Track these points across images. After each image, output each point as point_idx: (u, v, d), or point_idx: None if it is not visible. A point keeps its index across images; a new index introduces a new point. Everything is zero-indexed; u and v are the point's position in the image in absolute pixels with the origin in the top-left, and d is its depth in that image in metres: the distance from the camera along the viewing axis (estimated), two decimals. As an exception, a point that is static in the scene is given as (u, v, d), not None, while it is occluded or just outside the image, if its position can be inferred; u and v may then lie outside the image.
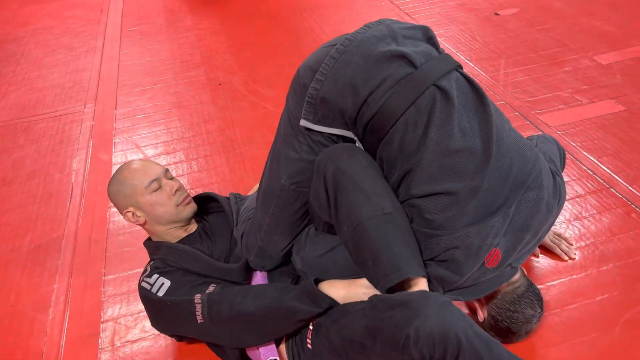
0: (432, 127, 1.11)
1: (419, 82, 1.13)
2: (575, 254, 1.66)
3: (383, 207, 1.12)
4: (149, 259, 1.52)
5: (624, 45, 2.82)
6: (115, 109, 2.77)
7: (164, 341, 1.55)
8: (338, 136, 1.22)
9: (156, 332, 1.55)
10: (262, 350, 1.32)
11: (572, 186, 1.94)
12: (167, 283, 1.38)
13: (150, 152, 2.39)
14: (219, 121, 2.57)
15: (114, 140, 2.50)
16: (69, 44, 3.59)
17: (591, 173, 1.99)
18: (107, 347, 1.55)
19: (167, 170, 1.56)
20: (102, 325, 1.61)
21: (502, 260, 1.19)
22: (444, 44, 3.03)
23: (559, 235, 1.70)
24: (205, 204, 1.70)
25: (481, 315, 1.37)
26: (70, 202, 2.14)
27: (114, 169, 2.29)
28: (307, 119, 1.20)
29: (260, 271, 1.46)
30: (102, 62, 3.28)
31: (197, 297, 1.33)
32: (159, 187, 1.50)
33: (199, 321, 1.31)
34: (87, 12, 4.12)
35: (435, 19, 3.34)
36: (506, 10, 3.38)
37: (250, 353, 1.36)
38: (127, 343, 1.56)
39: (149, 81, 3.00)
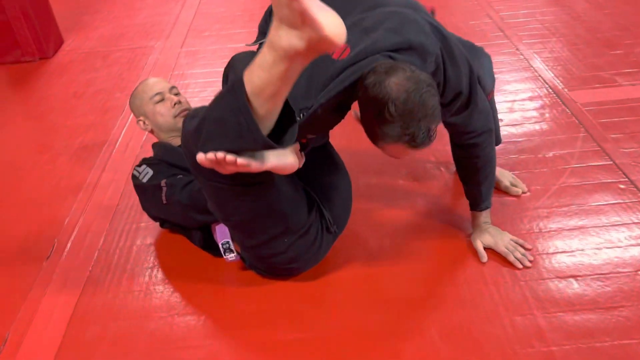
0: None
1: None
2: (529, 261, 1.56)
3: None
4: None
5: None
6: (181, 47, 3.07)
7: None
8: None
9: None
10: (219, 235, 1.53)
11: (586, 161, 1.94)
12: (150, 172, 1.64)
13: (197, 89, 2.66)
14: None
15: (172, 73, 2.80)
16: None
17: (603, 152, 1.98)
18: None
19: (173, 87, 1.81)
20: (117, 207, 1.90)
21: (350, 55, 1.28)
22: (503, 19, 3.03)
23: (515, 241, 1.61)
24: None
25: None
26: (122, 115, 2.47)
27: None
28: None
29: None
30: (182, 9, 3.62)
31: (163, 182, 1.58)
32: (162, 100, 1.76)
33: (163, 202, 1.56)
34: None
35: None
36: (577, -7, 3.27)
37: (214, 234, 1.58)
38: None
39: (217, 28, 3.28)
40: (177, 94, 1.82)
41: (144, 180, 1.65)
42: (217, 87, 2.58)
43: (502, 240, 1.59)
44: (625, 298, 1.43)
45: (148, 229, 1.80)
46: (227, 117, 1.14)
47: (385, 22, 1.33)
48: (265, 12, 1.64)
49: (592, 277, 1.50)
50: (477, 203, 1.60)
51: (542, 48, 2.69)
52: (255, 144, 1.16)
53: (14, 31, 2.92)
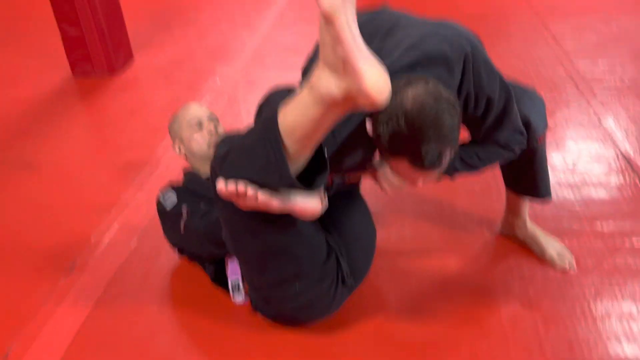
0: None
1: None
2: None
3: None
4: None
5: None
6: (242, 74, 3.10)
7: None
8: None
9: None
10: (230, 271, 1.46)
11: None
12: (175, 199, 1.61)
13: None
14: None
15: (227, 98, 2.82)
16: (234, 18, 4.04)
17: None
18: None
19: (212, 114, 1.79)
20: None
21: None
22: (577, 69, 2.83)
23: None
24: None
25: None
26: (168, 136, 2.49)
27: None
28: None
29: None
30: (252, 36, 3.66)
31: (184, 209, 1.54)
32: (199, 127, 1.74)
33: (181, 231, 1.52)
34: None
35: (584, 47, 3.11)
36: (669, 48, 3.01)
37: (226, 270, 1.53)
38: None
39: (281, 59, 3.29)
40: (215, 124, 1.80)
41: (167, 206, 1.62)
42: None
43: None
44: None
45: (168, 256, 1.76)
46: (256, 147, 1.12)
47: (403, 41, 1.23)
48: (310, 55, 1.59)
49: (637, 376, 1.30)
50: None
51: (617, 106, 2.47)
52: (280, 181, 1.12)
53: (87, 45, 3.05)
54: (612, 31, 3.28)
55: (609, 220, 1.80)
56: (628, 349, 1.37)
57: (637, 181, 1.97)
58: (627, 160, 2.09)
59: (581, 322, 1.45)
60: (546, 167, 1.58)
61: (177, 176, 2.15)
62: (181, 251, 1.71)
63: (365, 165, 1.39)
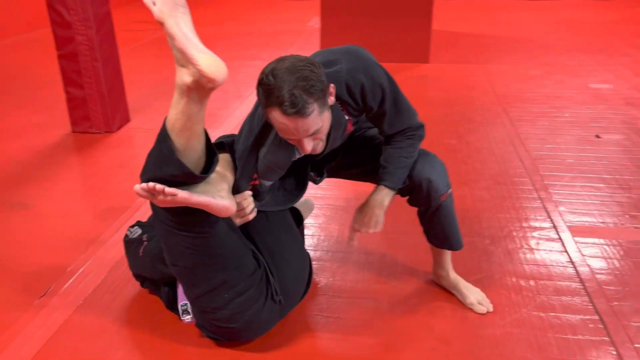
0: None
1: None
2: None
3: None
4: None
5: None
6: (225, 138, 3.41)
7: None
8: None
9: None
10: (179, 297, 1.67)
11: (547, 282, 1.95)
12: (139, 232, 1.85)
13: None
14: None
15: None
16: (226, 89, 4.43)
17: (580, 288, 1.97)
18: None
19: None
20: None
21: None
22: (530, 151, 3.13)
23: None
24: None
25: None
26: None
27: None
28: None
29: None
30: (240, 105, 4.02)
31: (144, 237, 1.78)
32: None
33: (140, 254, 1.74)
34: (257, 71, 4.99)
35: (536, 130, 3.44)
36: (611, 135, 3.34)
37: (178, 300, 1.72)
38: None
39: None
40: None
41: (131, 237, 1.86)
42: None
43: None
44: None
45: (134, 287, 1.97)
46: (153, 148, 1.40)
47: None
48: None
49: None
50: (390, 180, 1.68)
51: (556, 184, 2.75)
52: (178, 170, 1.36)
53: (88, 106, 3.39)
54: (565, 119, 3.64)
55: (527, 278, 2.02)
56: (525, 380, 1.55)
57: (564, 252, 2.21)
58: (556, 229, 2.34)
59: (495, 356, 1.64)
60: (454, 221, 1.80)
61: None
62: (142, 281, 1.92)
63: (284, 163, 1.64)
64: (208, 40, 6.59)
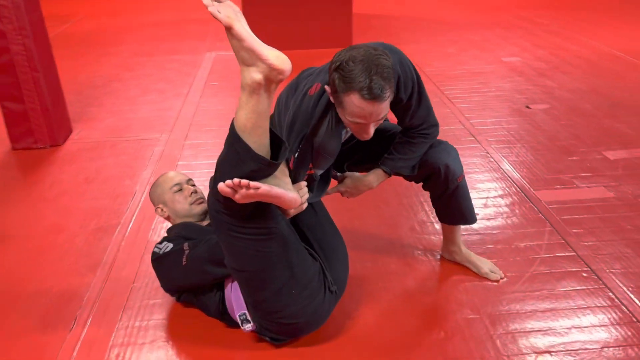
0: None
1: None
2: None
3: None
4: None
5: (636, 146, 3.09)
6: (185, 140, 3.35)
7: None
8: None
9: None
10: (235, 307, 1.71)
11: (539, 242, 2.22)
12: (171, 245, 1.85)
13: (203, 178, 2.90)
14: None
15: (177, 163, 3.05)
16: (161, 89, 4.30)
17: (571, 249, 2.27)
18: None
19: (190, 179, 2.09)
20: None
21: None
22: (475, 126, 3.43)
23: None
24: None
25: None
26: (132, 200, 2.67)
27: (171, 183, 2.81)
28: None
29: None
30: (183, 105, 3.94)
31: (186, 245, 1.80)
32: (180, 190, 2.03)
33: (183, 263, 1.75)
34: (183, 67, 4.90)
35: (473, 105, 3.76)
36: (537, 105, 3.74)
37: (230, 311, 1.75)
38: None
39: (217, 124, 3.59)
40: (193, 185, 2.08)
41: (164, 252, 1.84)
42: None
43: None
44: (593, 370, 1.65)
45: (163, 305, 1.95)
46: (227, 152, 1.47)
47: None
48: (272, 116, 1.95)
49: (564, 352, 1.72)
50: (389, 166, 1.86)
51: (509, 152, 3.07)
52: (254, 163, 1.44)
53: (30, 120, 3.15)
54: (493, 93, 4.00)
55: (521, 240, 2.28)
56: (554, 335, 1.80)
57: (535, 209, 2.50)
58: (525, 193, 2.63)
59: (517, 318, 1.86)
60: (469, 198, 2.01)
61: (150, 235, 2.36)
62: (179, 295, 1.91)
63: (335, 151, 1.74)
64: (114, 36, 6.25)
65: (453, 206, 1.98)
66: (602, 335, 1.78)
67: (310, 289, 1.67)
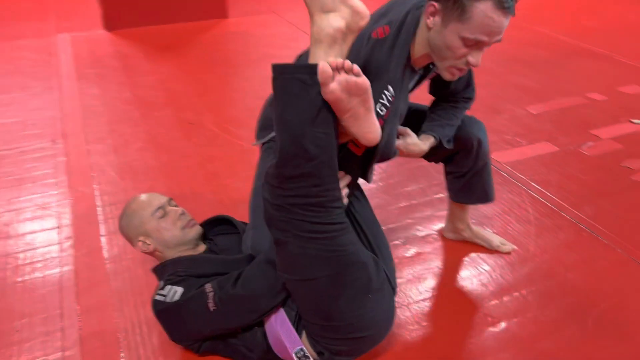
0: None
1: None
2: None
3: None
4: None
5: (547, 98, 3.30)
6: (87, 144, 2.78)
7: None
8: None
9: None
10: (287, 343, 1.43)
11: (525, 208, 2.25)
12: (180, 289, 1.48)
13: (130, 184, 2.42)
14: (198, 157, 2.67)
15: (92, 174, 2.51)
16: (22, 84, 3.53)
17: (543, 201, 2.32)
18: None
19: (170, 199, 1.70)
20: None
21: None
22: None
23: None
24: (216, 227, 1.81)
25: None
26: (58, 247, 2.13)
27: (98, 199, 2.30)
28: None
29: None
30: (62, 101, 3.27)
31: (208, 286, 1.45)
32: (165, 214, 1.64)
33: (211, 309, 1.42)
34: (35, 54, 4.08)
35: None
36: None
37: (278, 349, 1.46)
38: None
39: (117, 119, 3.04)
40: (175, 206, 1.70)
41: (176, 299, 1.47)
42: (155, 183, 2.39)
43: None
44: None
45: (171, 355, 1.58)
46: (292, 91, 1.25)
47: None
48: (265, 107, 1.73)
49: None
50: (439, 132, 1.71)
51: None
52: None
53: None
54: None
55: (502, 204, 2.28)
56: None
57: (497, 169, 2.53)
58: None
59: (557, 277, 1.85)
60: (491, 175, 1.93)
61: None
62: (199, 346, 1.55)
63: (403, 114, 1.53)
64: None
65: (478, 184, 1.88)
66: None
67: (383, 291, 1.45)
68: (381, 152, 1.45)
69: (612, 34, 4.51)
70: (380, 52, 1.40)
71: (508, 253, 2.00)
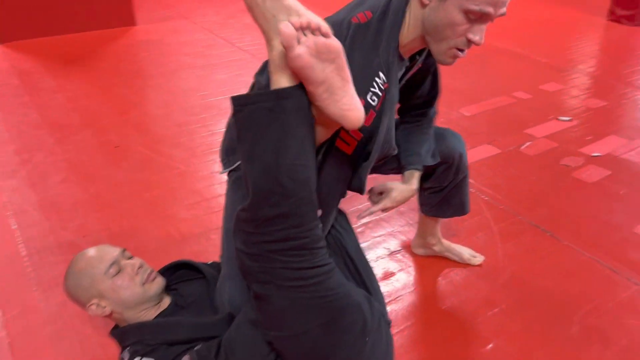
0: None
1: None
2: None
3: None
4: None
5: (478, 99, 3.36)
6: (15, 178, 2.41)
7: None
8: None
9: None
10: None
11: (484, 215, 2.24)
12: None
13: (57, 223, 2.13)
14: (132, 185, 2.40)
15: (7, 216, 2.18)
16: None
17: (498, 205, 2.33)
18: None
19: (124, 250, 1.48)
20: None
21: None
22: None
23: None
24: (175, 272, 1.62)
25: None
26: None
27: (22, 247, 1.99)
28: None
29: None
30: (-42, 129, 2.84)
31: (186, 357, 1.27)
32: (120, 270, 1.42)
33: None
34: None
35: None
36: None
37: None
38: None
39: (28, 147, 2.68)
40: (130, 257, 1.48)
41: None
42: (86, 219, 2.12)
43: None
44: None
45: None
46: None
47: None
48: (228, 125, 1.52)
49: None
50: (419, 162, 1.62)
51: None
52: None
53: None
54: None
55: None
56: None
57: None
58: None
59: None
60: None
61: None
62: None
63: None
64: None
65: (456, 197, 1.82)
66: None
67: (380, 330, 1.31)
68: (379, 148, 1.32)
69: (528, 34, 4.72)
70: (364, 37, 1.25)
71: (479, 265, 1.98)
